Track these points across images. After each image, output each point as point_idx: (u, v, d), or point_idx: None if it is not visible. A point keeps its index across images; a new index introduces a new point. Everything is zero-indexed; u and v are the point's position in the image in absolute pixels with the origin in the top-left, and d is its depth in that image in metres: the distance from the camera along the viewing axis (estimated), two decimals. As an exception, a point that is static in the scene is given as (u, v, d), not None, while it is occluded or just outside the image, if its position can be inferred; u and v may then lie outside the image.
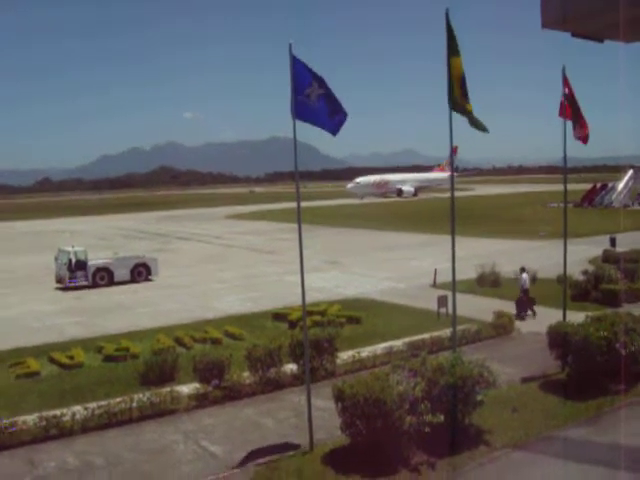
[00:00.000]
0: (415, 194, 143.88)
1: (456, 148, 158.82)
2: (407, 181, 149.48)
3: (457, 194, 16.86)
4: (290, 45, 14.10)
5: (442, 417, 14.05)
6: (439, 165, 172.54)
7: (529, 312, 27.27)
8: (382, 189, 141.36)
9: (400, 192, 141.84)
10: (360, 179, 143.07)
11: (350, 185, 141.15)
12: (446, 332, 21.98)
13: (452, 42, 14.81)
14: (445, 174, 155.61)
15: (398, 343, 21.83)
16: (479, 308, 27.25)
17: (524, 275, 28.12)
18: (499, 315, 24.55)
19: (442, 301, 25.97)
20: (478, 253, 40.68)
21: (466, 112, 15.15)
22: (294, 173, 15.25)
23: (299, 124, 14.37)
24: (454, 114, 15.21)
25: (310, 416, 14.81)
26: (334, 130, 14.35)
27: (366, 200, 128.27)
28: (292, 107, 14.26)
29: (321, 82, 14.15)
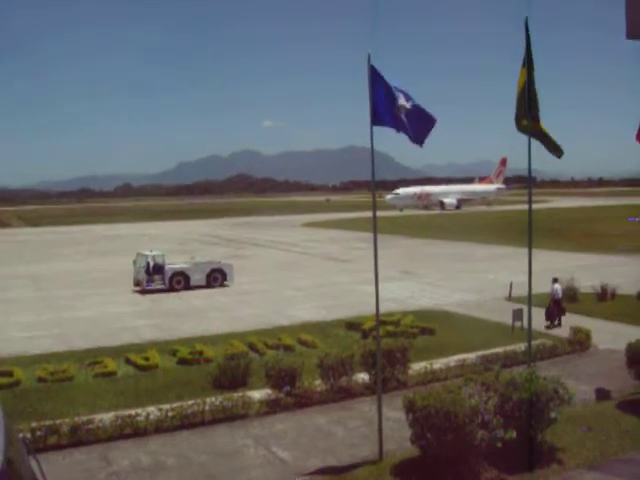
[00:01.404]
0: (458, 207, 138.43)
1: (505, 160, 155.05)
2: (450, 193, 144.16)
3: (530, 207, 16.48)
4: (369, 55, 14.16)
5: (514, 433, 13.80)
6: (480, 178, 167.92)
7: (556, 322, 27.09)
8: (423, 201, 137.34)
9: (442, 204, 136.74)
10: (400, 190, 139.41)
11: (389, 196, 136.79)
12: (520, 346, 21.58)
13: (527, 52, 14.53)
14: (492, 186, 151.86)
15: (471, 356, 21.59)
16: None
17: (556, 286, 27.90)
18: (576, 331, 24.01)
19: (517, 315, 25.55)
20: (555, 267, 39.77)
21: (528, 130, 14.69)
22: (370, 182, 15.27)
23: (376, 134, 14.40)
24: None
25: (380, 426, 14.77)
26: (417, 138, 14.25)
27: (407, 212, 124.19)
28: (370, 116, 14.32)
29: (398, 91, 14.14)
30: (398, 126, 14.23)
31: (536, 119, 14.64)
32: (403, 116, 14.05)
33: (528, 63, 14.42)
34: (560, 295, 28.01)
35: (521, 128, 14.77)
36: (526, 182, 16.41)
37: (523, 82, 14.50)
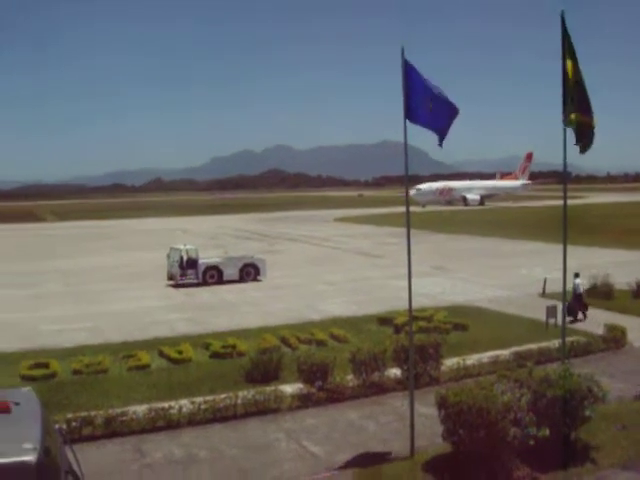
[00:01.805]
0: (481, 202, 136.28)
1: (531, 154, 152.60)
2: (473, 189, 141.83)
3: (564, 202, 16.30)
4: (402, 49, 14.09)
5: (547, 431, 13.67)
6: (502, 173, 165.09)
7: (580, 316, 27.03)
8: (446, 196, 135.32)
9: (465, 200, 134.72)
10: (422, 186, 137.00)
11: (411, 192, 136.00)
12: (554, 343, 21.43)
13: (567, 44, 14.39)
14: (517, 182, 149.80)
15: (504, 352, 21.44)
16: (589, 320, 26.51)
17: (577, 280, 27.65)
18: (611, 328, 23.73)
19: (551, 311, 25.34)
20: (591, 263, 39.38)
21: (573, 123, 14.55)
22: (403, 177, 15.23)
23: (410, 128, 14.35)
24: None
25: (412, 422, 14.74)
26: (442, 134, 14.20)
27: (430, 207, 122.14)
28: (404, 110, 14.27)
29: (431, 86, 14.07)
30: (428, 121, 14.18)
31: (587, 113, 14.50)
32: (430, 105, 14.01)
33: (571, 56, 14.30)
34: (582, 290, 27.95)
35: (570, 122, 14.61)
36: (560, 177, 16.28)
37: (573, 75, 14.36)
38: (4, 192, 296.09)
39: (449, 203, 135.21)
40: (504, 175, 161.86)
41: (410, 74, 14.17)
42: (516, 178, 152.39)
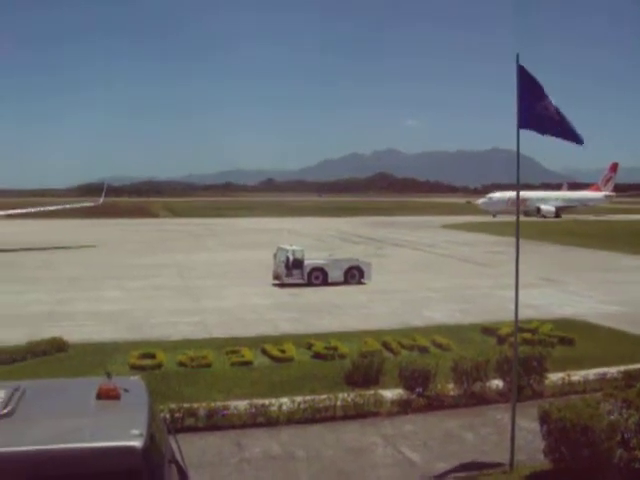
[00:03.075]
0: (557, 214, 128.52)
1: (616, 165, 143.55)
2: (549, 199, 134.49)
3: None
4: (517, 55, 13.88)
5: (657, 455, 13.13)
6: (567, 184, 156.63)
7: None
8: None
9: (538, 211, 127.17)
10: (493, 195, 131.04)
11: (481, 200, 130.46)
12: (668, 364, 20.59)
13: None
14: (599, 193, 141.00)
15: (612, 370, 20.68)
16: None
17: None
18: None
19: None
20: None
21: None
22: (512, 185, 14.98)
23: (521, 136, 14.09)
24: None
25: (513, 435, 14.45)
26: (568, 137, 13.88)
27: (499, 218, 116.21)
28: (517, 117, 14.03)
29: (545, 93, 13.80)
30: (545, 128, 13.89)
31: None
32: (552, 117, 13.71)
33: None
34: None
35: None
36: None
37: None
38: (117, 188, 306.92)
39: (525, 214, 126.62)
40: (582, 186, 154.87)
41: (524, 80, 13.92)
42: (598, 190, 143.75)
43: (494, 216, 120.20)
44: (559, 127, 13.84)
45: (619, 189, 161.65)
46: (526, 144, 14.31)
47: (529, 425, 15.81)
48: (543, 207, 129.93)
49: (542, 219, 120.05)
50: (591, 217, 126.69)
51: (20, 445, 6.41)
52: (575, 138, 13.91)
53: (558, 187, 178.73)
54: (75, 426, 6.75)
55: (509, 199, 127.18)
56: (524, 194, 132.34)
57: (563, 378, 19.80)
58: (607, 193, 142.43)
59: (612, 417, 13.08)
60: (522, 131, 14.16)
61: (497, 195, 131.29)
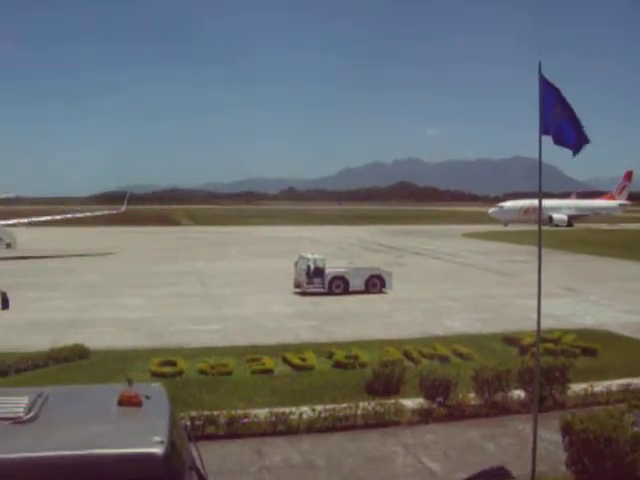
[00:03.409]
0: (569, 223, 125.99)
1: (630, 173, 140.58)
2: (561, 208, 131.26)
3: None
4: (539, 64, 13.82)
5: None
6: (576, 193, 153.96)
7: None
8: (530, 215, 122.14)
9: (550, 220, 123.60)
10: (505, 204, 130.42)
11: (493, 209, 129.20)
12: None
13: None
14: (613, 202, 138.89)
15: (636, 381, 20.50)
16: None
17: None
18: None
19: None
20: None
21: None
22: (534, 194, 14.89)
23: (544, 145, 14.02)
24: None
25: (535, 446, 14.32)
26: (575, 150, 13.84)
27: (511, 227, 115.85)
28: (540, 125, 13.97)
29: (565, 102, 13.74)
30: (560, 138, 13.84)
31: None
32: (565, 121, 13.67)
33: None
34: None
35: None
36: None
37: None
38: (138, 196, 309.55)
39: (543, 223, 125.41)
40: (595, 195, 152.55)
41: (546, 90, 13.87)
42: (612, 198, 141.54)
43: (505, 225, 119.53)
44: (565, 136, 13.78)
45: (634, 198, 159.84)
46: (548, 152, 14.24)
47: (551, 436, 15.68)
48: (555, 216, 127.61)
49: (554, 228, 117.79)
50: (604, 226, 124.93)
51: (43, 450, 6.45)
52: (578, 145, 13.83)
53: (582, 196, 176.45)
54: (97, 432, 6.78)
55: (521, 208, 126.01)
56: (536, 202, 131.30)
57: (586, 389, 19.64)
58: (621, 202, 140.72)
59: (636, 429, 12.94)
60: (544, 139, 14.10)
61: (508, 204, 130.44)
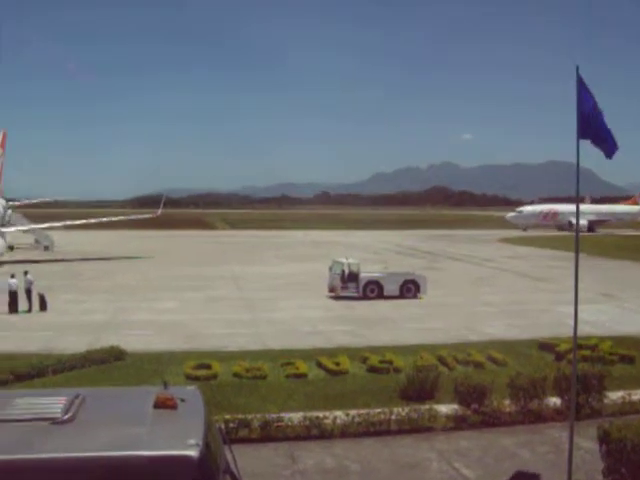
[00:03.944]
0: (591, 229, 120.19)
1: None
2: (583, 213, 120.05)
3: None
4: (577, 67, 13.70)
5: None
6: (591, 197, 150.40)
7: None
8: (549, 220, 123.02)
9: (570, 225, 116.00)
10: (524, 208, 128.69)
11: (511, 214, 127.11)
12: None
13: None
14: (635, 207, 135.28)
15: (676, 390, 20.19)
16: None
17: None
18: None
19: None
20: None
21: None
22: (570, 199, 14.73)
23: (580, 149, 13.89)
24: None
25: (571, 454, 14.14)
26: (609, 153, 13.72)
27: (530, 232, 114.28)
28: (577, 129, 13.84)
29: (598, 107, 13.64)
30: (597, 141, 13.73)
31: None
32: (600, 124, 13.56)
33: None
34: None
35: None
36: None
37: None
38: (174, 200, 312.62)
39: (560, 228, 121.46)
40: (616, 200, 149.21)
41: (583, 93, 13.75)
42: (635, 203, 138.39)
43: (524, 230, 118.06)
44: (602, 139, 13.67)
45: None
46: (585, 156, 14.08)
47: (588, 445, 15.49)
48: (574, 221, 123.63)
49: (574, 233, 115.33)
50: (630, 232, 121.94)
51: (79, 451, 6.52)
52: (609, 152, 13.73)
53: (614, 200, 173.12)
54: (132, 434, 6.84)
55: (540, 213, 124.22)
56: (556, 207, 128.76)
57: (623, 397, 19.38)
58: None
59: (675, 438, 12.72)
60: (581, 143, 13.97)
61: (529, 208, 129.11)
